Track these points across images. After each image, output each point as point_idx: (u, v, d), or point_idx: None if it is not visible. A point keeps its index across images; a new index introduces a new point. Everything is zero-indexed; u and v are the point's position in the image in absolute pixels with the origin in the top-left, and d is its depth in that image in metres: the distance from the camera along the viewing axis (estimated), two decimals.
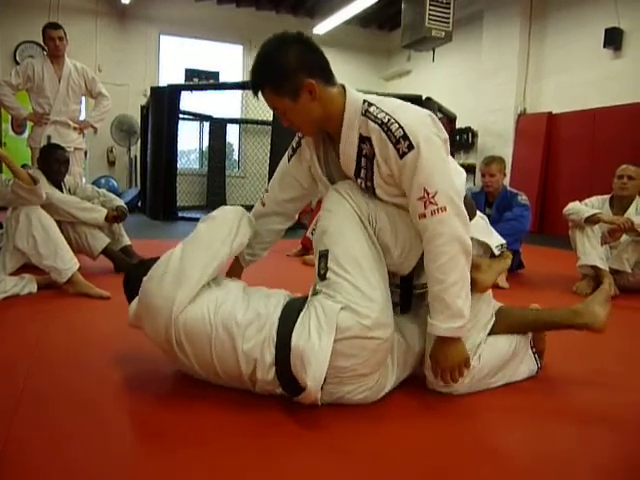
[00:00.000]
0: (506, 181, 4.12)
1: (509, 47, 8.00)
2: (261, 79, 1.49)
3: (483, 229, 1.77)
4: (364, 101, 1.50)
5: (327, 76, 1.50)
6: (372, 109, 1.48)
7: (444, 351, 1.49)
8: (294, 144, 1.74)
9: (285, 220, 1.89)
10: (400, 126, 1.42)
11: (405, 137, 1.41)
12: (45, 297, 2.77)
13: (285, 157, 1.79)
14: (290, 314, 1.45)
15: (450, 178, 1.47)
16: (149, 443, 1.33)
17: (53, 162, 3.41)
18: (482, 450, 1.35)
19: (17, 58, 8.51)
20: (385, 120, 1.44)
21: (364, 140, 1.49)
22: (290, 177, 1.78)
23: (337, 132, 1.53)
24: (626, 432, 1.48)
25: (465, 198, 1.59)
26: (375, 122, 1.45)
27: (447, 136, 1.55)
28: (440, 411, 1.55)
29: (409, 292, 1.69)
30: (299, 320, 1.42)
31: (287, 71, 1.44)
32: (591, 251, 3.35)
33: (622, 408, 1.63)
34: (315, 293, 1.49)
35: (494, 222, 3.67)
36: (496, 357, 1.68)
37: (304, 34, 1.49)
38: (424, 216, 1.43)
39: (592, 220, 3.35)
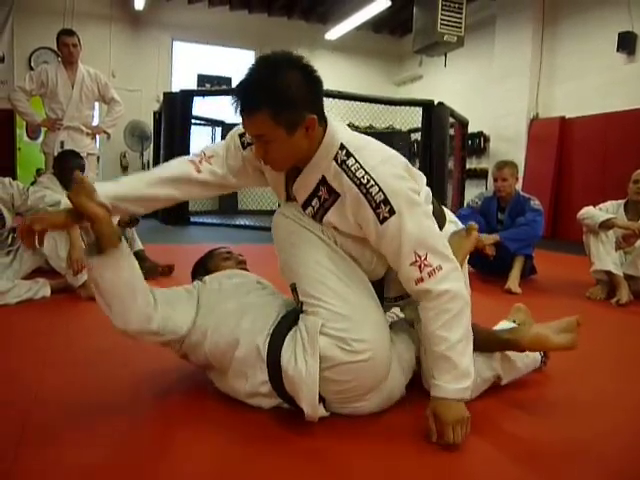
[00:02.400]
0: (518, 186, 4.10)
1: (521, 52, 7.96)
2: (260, 99, 1.29)
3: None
4: (342, 146, 1.39)
5: (322, 112, 1.38)
6: (350, 162, 1.37)
7: (447, 406, 1.35)
8: (248, 139, 1.51)
9: (188, 196, 1.59)
10: (380, 189, 1.33)
11: (386, 202, 1.33)
12: (58, 301, 2.80)
13: (237, 140, 1.55)
14: (279, 335, 1.43)
15: (435, 231, 1.41)
16: (159, 445, 1.34)
17: (68, 169, 3.43)
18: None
19: (32, 64, 8.62)
20: (364, 181, 1.35)
21: (324, 184, 1.41)
22: (240, 161, 1.55)
23: (302, 164, 1.43)
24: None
25: (434, 207, 1.59)
26: (353, 181, 1.35)
27: (422, 179, 1.56)
28: None
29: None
30: (286, 342, 1.40)
31: (292, 100, 1.30)
32: (605, 256, 3.32)
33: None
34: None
35: (506, 227, 3.66)
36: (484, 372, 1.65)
37: (307, 61, 1.35)
38: (421, 280, 1.35)
39: (606, 225, 3.31)
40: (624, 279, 3.28)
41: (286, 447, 1.33)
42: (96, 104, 4.81)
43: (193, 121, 7.94)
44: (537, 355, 1.84)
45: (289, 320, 1.46)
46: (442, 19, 6.67)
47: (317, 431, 1.40)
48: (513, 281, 3.50)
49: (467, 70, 9.26)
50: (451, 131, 7.70)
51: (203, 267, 1.96)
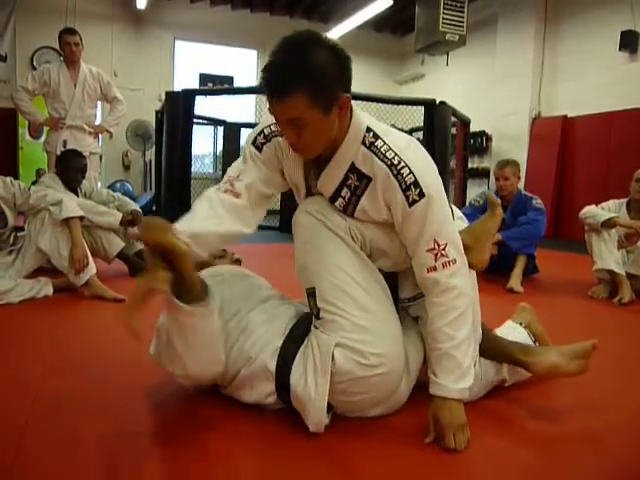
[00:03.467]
0: (521, 185, 4.10)
1: (524, 51, 7.95)
2: (295, 80, 1.22)
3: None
4: (368, 129, 1.37)
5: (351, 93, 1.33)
6: (379, 143, 1.35)
7: (448, 408, 1.33)
8: (262, 138, 1.48)
9: (251, 223, 1.48)
10: (411, 171, 1.32)
11: (416, 184, 1.31)
12: (61, 300, 2.80)
13: (252, 148, 1.49)
14: (288, 351, 1.39)
15: (454, 225, 1.41)
16: (160, 446, 1.34)
17: (71, 169, 3.44)
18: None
19: (34, 64, 8.63)
20: (395, 162, 1.32)
21: (353, 171, 1.38)
22: (268, 168, 1.49)
23: (328, 153, 1.39)
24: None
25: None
26: (384, 162, 1.33)
27: None
28: None
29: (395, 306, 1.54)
30: (297, 358, 1.37)
31: (327, 79, 1.24)
32: (607, 255, 3.32)
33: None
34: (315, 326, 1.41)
35: (509, 226, 3.66)
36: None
37: (333, 40, 1.30)
38: (434, 269, 1.33)
39: (609, 224, 3.31)
40: (626, 278, 3.28)
41: (289, 446, 1.33)
42: (98, 103, 4.82)
43: (195, 120, 7.93)
44: None
45: (299, 332, 1.43)
46: (444, 18, 6.67)
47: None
48: (515, 280, 3.50)
49: (469, 69, 9.25)
50: (453, 130, 7.69)
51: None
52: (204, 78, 9.63)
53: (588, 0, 7.27)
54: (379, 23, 10.13)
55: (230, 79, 9.82)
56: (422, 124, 7.52)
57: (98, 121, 4.87)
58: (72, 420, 1.43)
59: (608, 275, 3.35)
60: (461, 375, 1.34)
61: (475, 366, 1.57)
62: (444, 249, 1.33)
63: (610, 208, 3.48)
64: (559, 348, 1.66)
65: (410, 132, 9.33)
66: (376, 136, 1.36)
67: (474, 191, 6.79)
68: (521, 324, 1.91)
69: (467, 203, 4.92)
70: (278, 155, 1.48)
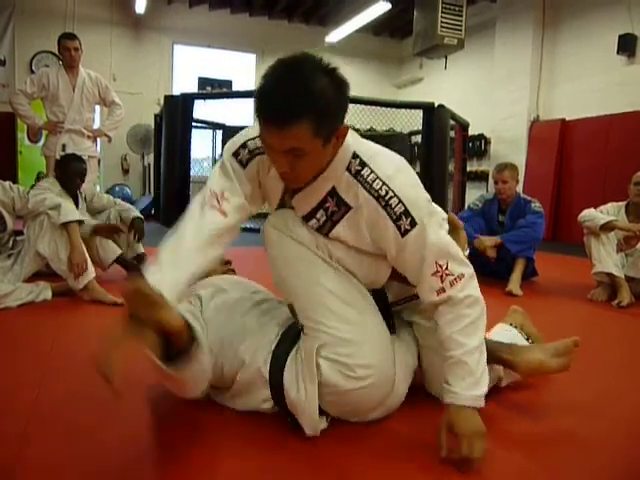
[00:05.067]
0: (519, 188, 4.10)
1: (522, 54, 7.98)
2: (301, 109, 1.15)
3: None
4: (355, 155, 1.31)
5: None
6: (365, 172, 1.29)
7: (464, 416, 1.27)
8: (246, 153, 1.39)
9: (229, 242, 1.41)
10: (401, 201, 1.27)
11: (407, 213, 1.27)
12: (60, 304, 2.80)
13: (234, 162, 1.40)
14: (280, 355, 1.38)
15: (450, 239, 1.35)
16: (159, 447, 1.34)
17: (70, 174, 3.43)
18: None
19: (33, 68, 8.63)
20: (383, 193, 1.27)
21: (333, 196, 1.33)
22: (252, 186, 1.41)
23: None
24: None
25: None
26: (371, 193, 1.28)
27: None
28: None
29: (387, 313, 1.50)
30: (289, 362, 1.36)
31: (332, 108, 1.19)
32: (606, 258, 3.32)
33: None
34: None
35: (507, 229, 3.66)
36: None
37: (330, 62, 1.24)
38: (443, 290, 1.30)
39: (607, 227, 3.31)
40: (625, 281, 3.28)
41: (286, 449, 1.33)
42: (97, 107, 4.82)
43: (194, 124, 7.95)
44: None
45: (291, 336, 1.42)
46: (442, 22, 6.68)
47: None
48: (514, 283, 3.50)
49: (468, 72, 9.27)
50: (452, 133, 7.71)
51: None
52: (203, 82, 9.65)
53: (586, 3, 7.30)
54: (377, 27, 10.16)
55: (229, 83, 9.83)
56: (420, 127, 7.56)
57: (96, 125, 4.88)
58: (72, 424, 1.42)
59: (607, 278, 3.35)
60: (474, 382, 1.28)
61: None
62: (447, 268, 1.30)
63: (609, 211, 3.49)
64: (542, 346, 1.70)
65: (409, 135, 9.37)
66: (362, 163, 1.30)
67: (473, 194, 6.81)
68: (512, 325, 1.91)
69: (466, 207, 4.92)
70: (260, 173, 1.41)
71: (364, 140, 1.38)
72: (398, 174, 1.32)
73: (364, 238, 1.35)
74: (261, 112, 1.19)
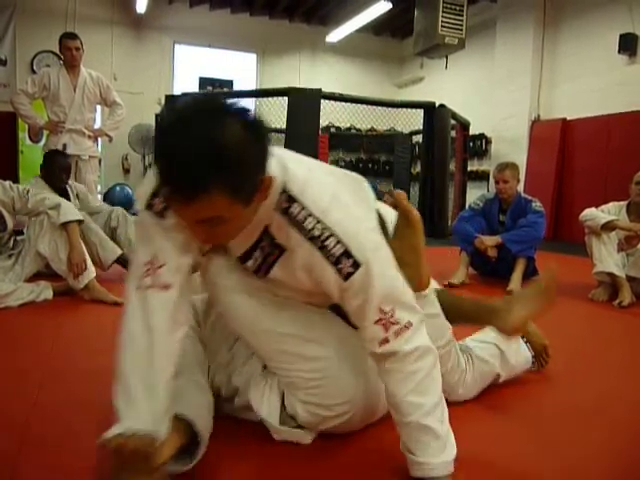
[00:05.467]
0: (520, 187, 4.10)
1: (523, 54, 7.97)
2: (212, 174, 0.94)
3: None
4: (283, 189, 1.11)
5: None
6: (295, 209, 1.10)
7: None
8: (159, 202, 1.14)
9: (190, 309, 1.31)
10: (339, 240, 1.09)
11: (348, 254, 1.09)
12: (60, 303, 2.80)
13: (151, 217, 1.16)
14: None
15: (400, 279, 1.17)
16: None
17: (55, 168, 3.44)
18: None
19: (34, 68, 8.63)
20: (317, 233, 1.09)
21: (267, 235, 1.16)
22: (182, 232, 1.15)
23: None
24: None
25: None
26: (302, 234, 1.10)
27: (369, 193, 1.30)
28: None
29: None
30: (258, 381, 1.34)
31: (250, 165, 1.00)
32: (607, 258, 3.32)
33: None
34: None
35: (508, 229, 3.66)
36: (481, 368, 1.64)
37: (238, 103, 1.04)
38: (387, 341, 1.12)
39: (609, 227, 3.31)
40: (627, 281, 3.27)
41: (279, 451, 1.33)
42: (98, 107, 4.82)
43: None
44: (528, 355, 1.83)
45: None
46: (443, 21, 6.68)
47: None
48: (515, 283, 3.49)
49: (468, 72, 9.27)
50: (453, 133, 7.71)
51: None
52: (204, 82, 9.66)
53: (587, 3, 7.29)
54: (378, 26, 10.15)
55: (230, 83, 9.84)
56: (421, 127, 7.56)
57: (97, 125, 4.88)
58: (72, 425, 1.42)
59: (608, 278, 3.35)
60: (442, 446, 1.12)
61: (466, 363, 1.59)
62: (392, 316, 1.12)
63: (610, 211, 3.48)
64: (519, 297, 1.65)
65: (410, 135, 9.38)
66: (291, 199, 1.10)
67: (474, 194, 6.80)
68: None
69: (466, 206, 4.92)
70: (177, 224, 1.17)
71: (292, 160, 1.18)
72: (333, 204, 1.12)
73: (303, 282, 1.18)
74: (161, 180, 1.01)
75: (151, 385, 1.09)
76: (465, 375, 1.58)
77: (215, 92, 9.03)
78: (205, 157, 0.94)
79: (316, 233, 1.09)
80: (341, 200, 1.15)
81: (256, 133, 1.01)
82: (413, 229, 1.35)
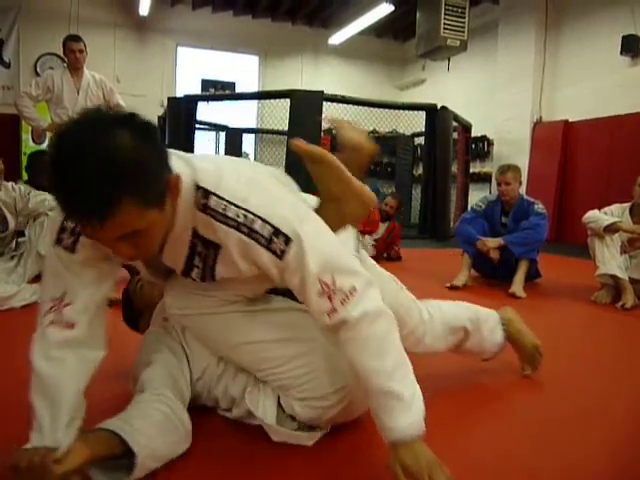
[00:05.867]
0: (522, 189, 4.10)
1: (525, 55, 7.97)
2: (116, 190, 0.92)
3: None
4: (197, 187, 1.10)
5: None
6: (213, 202, 1.09)
7: (410, 452, 1.08)
8: (67, 236, 1.13)
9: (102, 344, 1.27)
10: (265, 220, 1.09)
11: (277, 232, 1.09)
12: None
13: (60, 251, 1.15)
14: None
15: (335, 244, 1.16)
16: None
17: (41, 169, 3.44)
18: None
19: (38, 70, 8.66)
20: (241, 219, 1.08)
21: (198, 237, 1.15)
22: (93, 267, 1.17)
23: None
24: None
25: None
26: (228, 224, 1.09)
27: (287, 178, 1.32)
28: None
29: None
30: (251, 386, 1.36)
31: (150, 168, 0.98)
32: (610, 260, 3.31)
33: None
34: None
35: (510, 231, 3.66)
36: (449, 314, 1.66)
37: (120, 111, 1.01)
38: (335, 311, 1.10)
39: (612, 229, 3.30)
40: (629, 283, 3.27)
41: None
42: None
43: (197, 126, 7.97)
44: (501, 339, 1.79)
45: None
46: (445, 23, 6.69)
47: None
48: (517, 285, 3.49)
49: (470, 74, 9.27)
50: (455, 135, 7.71)
51: (129, 310, 1.79)
52: (206, 84, 9.68)
53: (589, 5, 7.29)
54: (380, 29, 10.16)
55: (232, 85, 9.86)
56: (423, 129, 7.56)
57: None
58: None
59: (611, 280, 3.34)
60: (406, 407, 1.09)
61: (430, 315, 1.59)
62: (334, 284, 1.10)
63: (613, 212, 3.48)
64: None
65: (412, 137, 9.38)
66: (207, 193, 1.09)
67: (476, 196, 6.81)
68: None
69: (469, 208, 4.92)
70: (98, 248, 1.13)
71: (198, 158, 1.18)
72: (251, 188, 1.13)
73: (248, 270, 1.17)
74: (68, 211, 0.99)
75: (53, 402, 1.14)
76: (432, 325, 1.59)
77: (218, 94, 9.05)
78: (104, 172, 0.91)
79: (241, 220, 1.09)
80: (260, 185, 1.16)
81: (146, 136, 0.99)
82: (325, 163, 1.28)
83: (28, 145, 8.57)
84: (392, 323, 1.16)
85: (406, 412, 1.10)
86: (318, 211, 1.25)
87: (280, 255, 1.10)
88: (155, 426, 1.20)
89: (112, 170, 0.91)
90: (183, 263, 1.20)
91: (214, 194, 1.09)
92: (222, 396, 1.43)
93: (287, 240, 1.09)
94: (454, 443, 1.39)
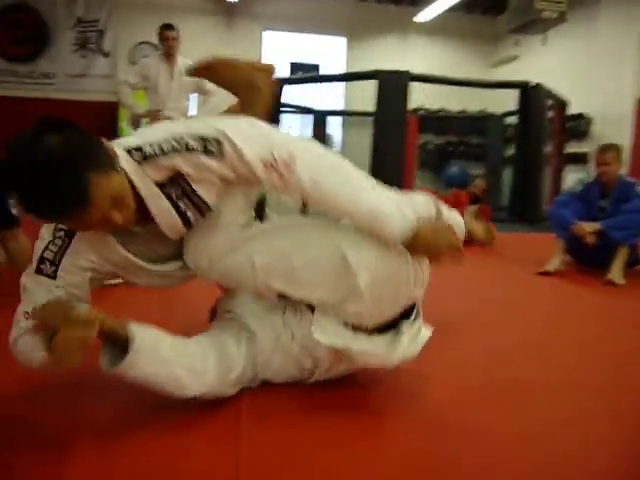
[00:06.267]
0: (623, 171, 3.85)
1: (629, 27, 7.41)
2: (77, 168, 1.08)
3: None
4: (127, 150, 1.22)
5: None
6: (148, 150, 1.21)
7: (426, 234, 1.28)
8: (48, 266, 1.28)
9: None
10: (193, 136, 1.22)
11: (205, 138, 1.22)
12: None
13: (44, 280, 1.29)
14: None
15: (263, 127, 1.34)
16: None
17: None
18: None
19: (133, 58, 9.09)
20: (175, 145, 1.21)
21: (168, 186, 1.25)
22: (78, 289, 1.33)
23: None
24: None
25: None
26: (169, 155, 1.21)
27: None
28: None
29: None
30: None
31: (92, 145, 1.15)
32: None
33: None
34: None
35: (609, 215, 3.44)
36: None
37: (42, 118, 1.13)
38: (282, 177, 1.25)
39: None
40: None
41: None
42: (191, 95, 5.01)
43: (284, 109, 8.06)
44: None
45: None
46: None
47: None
48: (616, 271, 3.29)
49: (567, 48, 8.75)
50: (549, 113, 7.33)
51: None
52: (294, 67, 9.78)
53: None
54: (469, 4, 9.79)
55: (316, 67, 9.89)
56: (515, 108, 7.25)
57: (190, 112, 5.07)
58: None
59: None
60: (399, 211, 1.28)
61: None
62: (273, 157, 1.24)
63: None
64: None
65: (503, 116, 9.02)
66: (138, 149, 1.22)
67: (572, 178, 6.47)
68: None
69: (563, 190, 4.69)
70: (81, 263, 1.30)
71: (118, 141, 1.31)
72: (173, 125, 1.31)
73: (224, 179, 1.29)
74: (49, 217, 1.20)
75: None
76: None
77: (304, 77, 9.11)
78: (57, 168, 1.06)
79: (176, 145, 1.21)
80: (180, 122, 1.34)
81: (63, 129, 1.11)
82: (212, 65, 1.68)
83: (125, 132, 9.03)
84: (342, 161, 1.34)
85: (395, 218, 1.26)
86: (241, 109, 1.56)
87: (220, 155, 1.22)
88: (172, 343, 1.31)
89: (61, 162, 1.06)
90: (177, 216, 1.29)
91: (142, 148, 1.22)
92: (301, 351, 1.44)
93: (217, 141, 1.22)
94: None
